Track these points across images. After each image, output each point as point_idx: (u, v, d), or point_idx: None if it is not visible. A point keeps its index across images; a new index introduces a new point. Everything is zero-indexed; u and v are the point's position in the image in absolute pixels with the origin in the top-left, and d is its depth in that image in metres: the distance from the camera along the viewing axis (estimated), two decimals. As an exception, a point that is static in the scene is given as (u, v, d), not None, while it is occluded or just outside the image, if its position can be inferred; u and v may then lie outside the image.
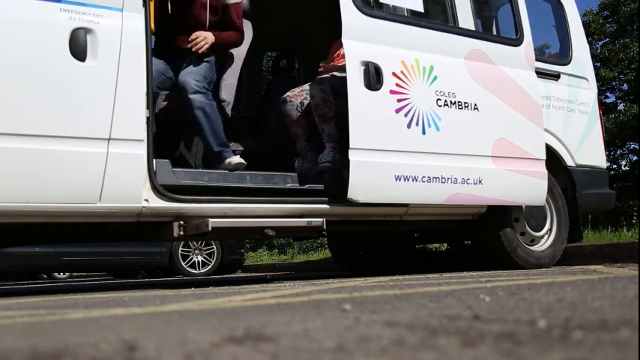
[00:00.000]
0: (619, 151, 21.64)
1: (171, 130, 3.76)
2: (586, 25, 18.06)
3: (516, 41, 4.29)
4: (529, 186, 4.10)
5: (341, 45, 3.66)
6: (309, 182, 3.68)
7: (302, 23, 5.23)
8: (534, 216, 4.39)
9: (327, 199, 3.58)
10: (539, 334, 0.99)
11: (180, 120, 3.87)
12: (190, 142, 4.16)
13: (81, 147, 2.80)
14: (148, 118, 2.99)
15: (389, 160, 3.59)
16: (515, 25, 4.34)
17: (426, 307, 1.52)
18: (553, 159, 4.45)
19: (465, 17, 4.14)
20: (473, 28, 4.19)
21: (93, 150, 2.82)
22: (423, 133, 3.72)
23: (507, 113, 4.07)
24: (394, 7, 3.93)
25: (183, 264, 8.51)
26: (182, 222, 3.19)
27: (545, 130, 4.31)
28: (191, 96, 3.52)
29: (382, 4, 3.90)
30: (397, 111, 3.64)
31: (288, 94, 4.05)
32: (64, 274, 10.79)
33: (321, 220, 3.44)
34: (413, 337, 1.03)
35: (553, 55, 5.20)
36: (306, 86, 4.05)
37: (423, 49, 3.82)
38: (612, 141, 19.69)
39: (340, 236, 5.41)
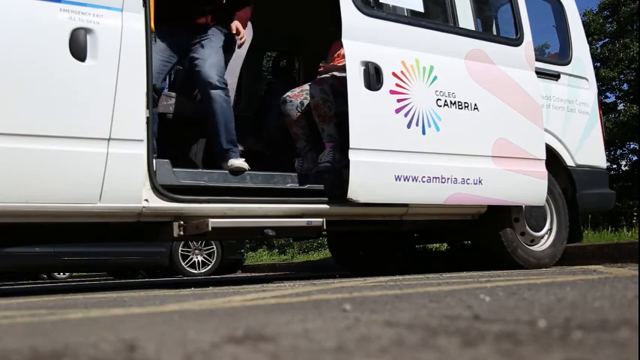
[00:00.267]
0: (619, 151, 21.63)
1: (171, 130, 3.76)
2: (586, 25, 18.05)
3: (516, 41, 4.29)
4: (529, 186, 4.10)
5: (341, 45, 3.66)
6: (309, 182, 3.68)
7: (302, 23, 5.23)
8: (534, 216, 4.39)
9: (327, 199, 3.58)
10: (539, 334, 0.99)
11: (181, 120, 3.87)
12: (190, 142, 4.16)
13: (81, 147, 2.80)
14: (147, 118, 2.99)
15: (389, 160, 3.59)
16: (515, 25, 4.34)
17: (426, 307, 1.52)
18: (553, 159, 4.45)
19: (465, 17, 4.14)
20: (473, 28, 4.19)
21: (93, 150, 2.82)
22: (423, 133, 3.72)
23: (507, 113, 4.08)
24: (394, 7, 3.93)
25: (183, 264, 8.51)
26: (182, 222, 3.19)
27: (545, 130, 4.31)
28: (213, 91, 3.53)
29: (382, 4, 3.90)
30: (397, 111, 3.64)
31: (288, 94, 4.05)
32: (64, 274, 10.79)
33: (321, 220, 3.45)
34: (413, 337, 1.03)
35: (553, 55, 5.20)
36: (306, 86, 4.05)
37: (423, 49, 3.82)
38: (612, 141, 19.68)
39: (340, 236, 5.41)
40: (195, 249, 8.62)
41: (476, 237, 4.59)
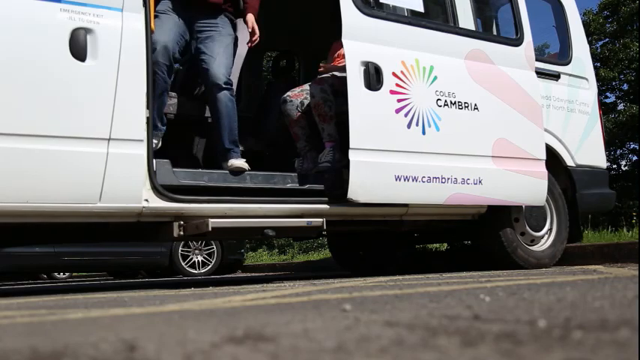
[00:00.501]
0: (619, 151, 21.65)
1: (171, 130, 3.76)
2: (586, 25, 18.06)
3: (516, 41, 4.29)
4: (529, 186, 4.10)
5: (341, 45, 3.66)
6: (309, 182, 3.68)
7: (302, 23, 5.23)
8: (534, 216, 4.39)
9: (327, 199, 3.58)
10: (539, 334, 0.99)
11: (181, 120, 3.87)
12: (190, 142, 4.16)
13: (81, 147, 2.80)
14: (147, 118, 2.99)
15: (389, 160, 3.59)
16: (515, 25, 4.34)
17: (426, 307, 1.52)
18: (553, 159, 4.45)
19: (465, 17, 4.14)
20: (473, 28, 4.19)
21: (93, 150, 2.82)
22: (423, 133, 3.72)
23: (507, 113, 4.08)
24: (394, 7, 3.93)
25: (183, 264, 8.51)
26: (182, 222, 3.19)
27: (545, 130, 4.31)
28: (220, 93, 3.51)
29: (382, 4, 3.90)
30: (397, 111, 3.64)
31: (288, 93, 4.05)
32: (64, 274, 10.79)
33: (321, 220, 3.44)
34: (413, 337, 1.03)
35: (553, 55, 5.20)
36: (307, 86, 4.05)
37: (423, 49, 3.82)
38: (612, 141, 19.70)
39: (340, 236, 5.41)
40: (195, 249, 8.63)
41: (476, 237, 4.60)
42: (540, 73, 4.42)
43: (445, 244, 6.41)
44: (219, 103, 3.53)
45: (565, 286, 1.99)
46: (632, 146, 21.14)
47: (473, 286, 2.32)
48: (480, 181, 3.89)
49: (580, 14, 5.68)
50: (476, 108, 3.95)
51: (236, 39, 3.80)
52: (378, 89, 3.58)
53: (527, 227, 4.36)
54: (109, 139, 2.86)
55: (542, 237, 4.46)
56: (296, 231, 3.68)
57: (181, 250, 8.52)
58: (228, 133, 3.56)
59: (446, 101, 3.83)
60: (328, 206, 3.56)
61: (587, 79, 4.92)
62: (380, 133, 3.58)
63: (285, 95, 4.05)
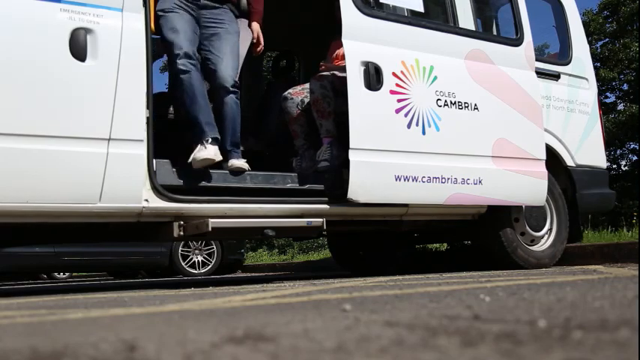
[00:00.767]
0: (619, 151, 21.66)
1: (171, 130, 3.76)
2: (586, 25, 18.06)
3: (516, 41, 4.29)
4: (529, 186, 4.10)
5: (341, 45, 3.66)
6: (309, 182, 3.67)
7: (302, 23, 5.22)
8: (534, 216, 4.39)
9: (327, 199, 3.58)
10: (539, 334, 0.99)
11: (181, 120, 3.86)
12: (191, 142, 4.15)
13: (81, 147, 2.80)
14: (147, 118, 2.99)
15: (389, 160, 3.60)
16: (515, 25, 4.34)
17: (426, 307, 1.52)
18: (553, 159, 4.45)
19: (465, 17, 4.14)
20: (473, 28, 4.19)
21: (93, 150, 2.82)
22: (423, 133, 3.72)
23: (507, 113, 4.08)
24: (394, 7, 3.93)
25: (183, 264, 8.51)
26: (182, 222, 3.19)
27: (545, 130, 4.31)
28: (227, 97, 3.49)
29: (382, 4, 3.90)
30: (397, 111, 3.64)
31: (289, 91, 4.06)
32: (64, 274, 10.79)
33: (321, 220, 3.44)
34: (413, 337, 1.03)
35: (553, 55, 5.20)
36: (308, 85, 4.05)
37: (423, 49, 3.82)
38: (612, 141, 19.69)
39: (340, 236, 5.41)
40: (195, 249, 8.63)
41: (476, 237, 4.59)
42: (540, 73, 4.42)
43: (445, 244, 6.41)
44: (225, 106, 3.50)
45: (565, 286, 1.99)
46: (632, 146, 21.16)
47: (473, 286, 2.32)
48: (479, 181, 3.89)
49: (580, 14, 5.68)
50: (476, 108, 3.95)
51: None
52: (378, 89, 3.58)
53: (527, 227, 4.36)
54: (109, 139, 2.86)
55: (542, 237, 4.46)
56: (296, 231, 3.68)
57: (181, 250, 8.52)
58: (230, 136, 3.54)
59: (446, 101, 3.83)
60: (328, 206, 3.56)
61: (587, 79, 4.93)
62: (380, 133, 3.58)
63: (286, 92, 4.05)
